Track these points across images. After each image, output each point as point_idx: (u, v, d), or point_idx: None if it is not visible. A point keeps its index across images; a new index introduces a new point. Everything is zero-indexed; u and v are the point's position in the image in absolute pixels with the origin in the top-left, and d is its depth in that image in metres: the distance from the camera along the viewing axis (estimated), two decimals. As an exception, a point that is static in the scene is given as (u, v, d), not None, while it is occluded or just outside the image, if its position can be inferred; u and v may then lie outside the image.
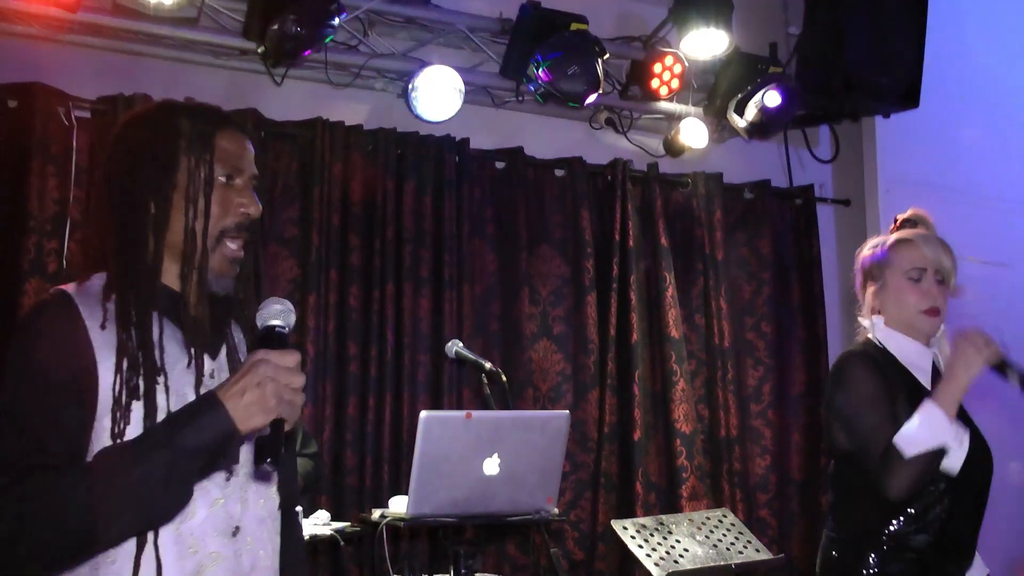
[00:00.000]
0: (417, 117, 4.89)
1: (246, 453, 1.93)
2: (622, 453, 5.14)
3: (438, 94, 4.83)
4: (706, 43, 5.10)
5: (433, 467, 3.13)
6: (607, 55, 4.92)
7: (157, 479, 1.72)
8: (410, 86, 4.80)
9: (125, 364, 1.84)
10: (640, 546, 3.96)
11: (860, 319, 3.20)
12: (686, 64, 5.23)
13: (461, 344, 3.95)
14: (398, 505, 3.49)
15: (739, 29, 5.22)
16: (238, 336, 2.06)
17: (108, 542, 1.78)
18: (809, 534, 5.47)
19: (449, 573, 3.37)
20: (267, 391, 1.74)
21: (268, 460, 1.76)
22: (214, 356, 1.97)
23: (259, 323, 1.85)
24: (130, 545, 1.81)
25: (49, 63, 4.44)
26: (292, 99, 4.82)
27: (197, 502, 1.85)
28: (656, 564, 3.88)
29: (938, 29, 5.39)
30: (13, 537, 1.71)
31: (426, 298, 4.85)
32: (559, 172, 5.32)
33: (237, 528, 1.92)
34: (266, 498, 2.00)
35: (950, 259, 3.09)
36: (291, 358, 1.78)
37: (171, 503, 1.77)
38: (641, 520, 4.16)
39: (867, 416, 2.96)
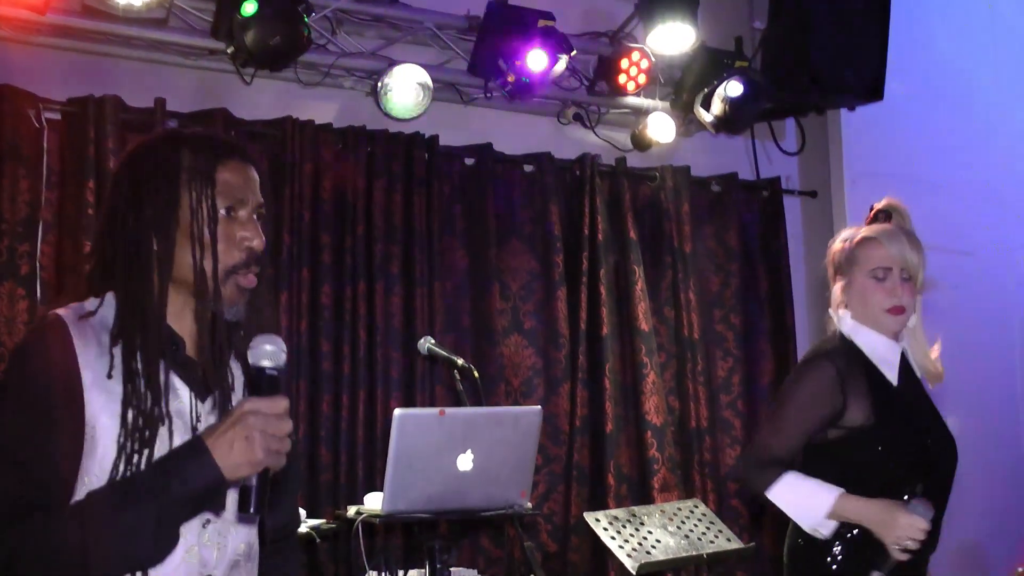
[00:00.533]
0: (386, 115, 4.92)
1: (231, 496, 1.94)
2: (594, 446, 5.19)
3: (407, 92, 4.85)
4: (672, 38, 5.14)
5: (407, 464, 3.17)
6: (574, 51, 4.96)
7: (146, 526, 1.76)
8: (379, 84, 4.83)
9: (130, 416, 1.86)
10: (613, 538, 4.03)
11: (830, 311, 3.27)
12: (653, 59, 5.28)
13: (433, 341, 3.98)
14: (373, 501, 3.53)
15: (705, 24, 5.28)
16: (236, 369, 2.05)
17: None
18: (779, 522, 5.51)
19: (424, 568, 3.42)
20: (255, 443, 1.75)
21: (252, 509, 1.77)
22: (203, 397, 1.98)
23: (250, 362, 1.84)
24: None
25: (18, 65, 4.43)
26: (262, 98, 4.83)
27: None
28: (629, 555, 3.94)
29: (902, 23, 5.47)
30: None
31: (398, 295, 4.87)
32: (528, 168, 5.35)
33: None
34: (248, 540, 2.02)
35: (917, 255, 3.14)
36: (280, 405, 1.79)
37: (159, 548, 1.82)
38: (613, 512, 4.23)
39: (788, 416, 3.10)
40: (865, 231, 3.20)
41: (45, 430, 1.82)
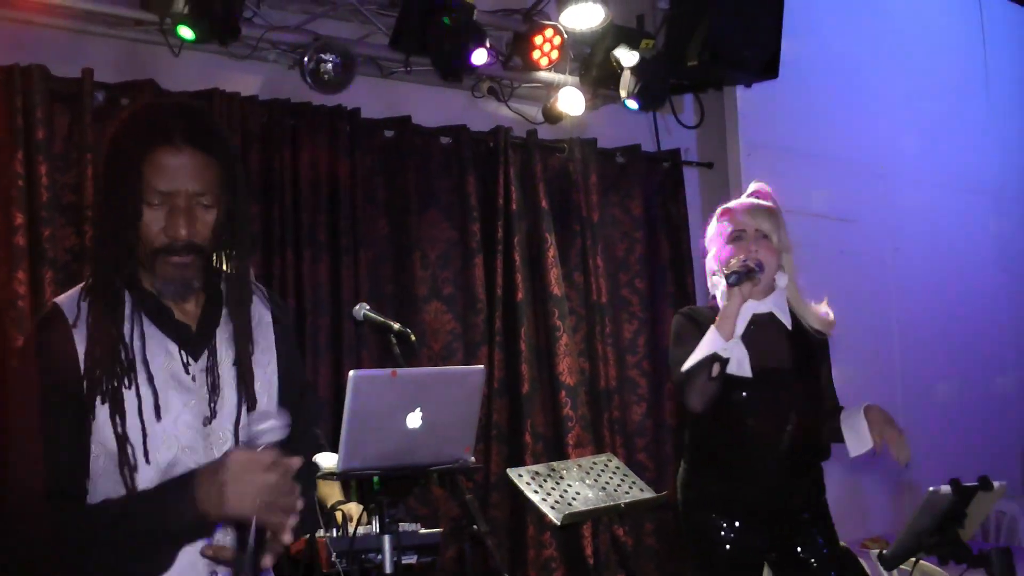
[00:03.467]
0: (311, 88, 5.02)
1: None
2: (511, 406, 5.42)
3: (333, 66, 4.96)
4: (584, 15, 5.36)
5: (361, 423, 3.32)
6: (488, 41, 5.14)
7: (138, 551, 1.91)
8: (305, 59, 4.93)
9: (92, 364, 1.97)
10: (535, 491, 4.24)
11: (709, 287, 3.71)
12: (565, 36, 5.48)
13: (368, 307, 4.13)
14: (324, 461, 3.69)
15: (613, 2, 5.50)
16: (224, 336, 2.12)
17: None
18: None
19: (371, 523, 3.60)
20: (246, 494, 1.79)
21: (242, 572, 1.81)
22: (196, 357, 2.08)
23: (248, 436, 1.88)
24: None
25: (-64, 30, 4.39)
26: (189, 70, 4.85)
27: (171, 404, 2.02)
28: (552, 507, 4.17)
29: (795, 6, 5.80)
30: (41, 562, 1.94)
31: (324, 264, 4.99)
32: (445, 140, 5.51)
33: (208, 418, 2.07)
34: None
35: (770, 218, 3.55)
36: (261, 458, 1.82)
37: (151, 570, 1.95)
38: (534, 468, 4.44)
39: (673, 352, 3.56)
40: (722, 206, 3.65)
41: (50, 416, 1.95)
